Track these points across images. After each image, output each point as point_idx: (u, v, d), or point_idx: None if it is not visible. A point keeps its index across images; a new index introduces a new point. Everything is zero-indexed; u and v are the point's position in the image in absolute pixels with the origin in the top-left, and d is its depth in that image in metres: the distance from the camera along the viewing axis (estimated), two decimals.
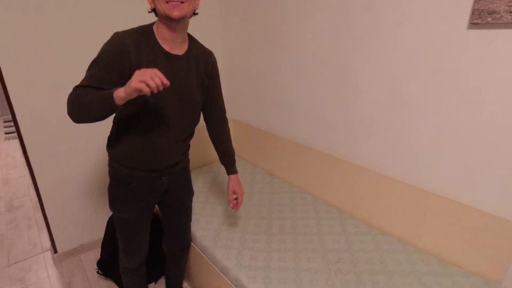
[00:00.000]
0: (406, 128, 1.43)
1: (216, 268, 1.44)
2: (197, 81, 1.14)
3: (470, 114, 1.21)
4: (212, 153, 2.45)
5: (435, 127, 1.33)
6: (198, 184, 2.08)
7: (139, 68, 0.97)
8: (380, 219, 1.60)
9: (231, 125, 2.49)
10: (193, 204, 1.83)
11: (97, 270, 1.84)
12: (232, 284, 1.34)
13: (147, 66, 1.01)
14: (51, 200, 1.88)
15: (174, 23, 0.99)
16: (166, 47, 1.05)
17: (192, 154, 2.30)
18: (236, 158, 2.44)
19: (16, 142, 4.12)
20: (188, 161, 1.39)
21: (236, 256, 1.41)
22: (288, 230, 1.59)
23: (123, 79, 0.98)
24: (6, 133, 4.39)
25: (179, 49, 1.08)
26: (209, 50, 1.20)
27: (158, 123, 1.10)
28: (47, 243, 2.20)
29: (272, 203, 1.83)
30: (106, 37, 1.03)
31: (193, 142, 2.29)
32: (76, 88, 0.98)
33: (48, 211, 1.89)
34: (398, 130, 1.46)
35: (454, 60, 1.21)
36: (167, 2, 0.94)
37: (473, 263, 1.30)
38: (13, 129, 4.53)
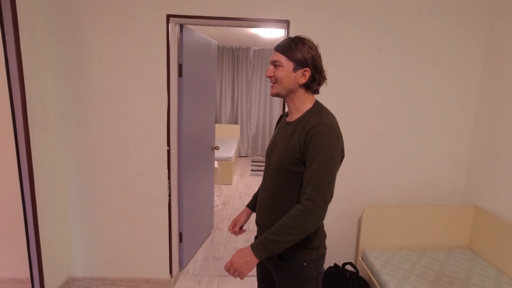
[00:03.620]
0: None
1: None
2: (294, 147, 1.11)
3: None
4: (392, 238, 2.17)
5: None
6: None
7: None
8: None
9: (469, 212, 2.14)
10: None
11: None
12: None
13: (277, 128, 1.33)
14: None
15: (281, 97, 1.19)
16: (289, 114, 1.23)
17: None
18: (470, 253, 2.04)
19: (259, 178, 5.31)
20: (291, 253, 1.16)
21: None
22: None
23: None
24: (252, 170, 5.76)
25: (292, 117, 1.20)
26: (316, 121, 1.08)
27: (264, 176, 1.27)
28: None
29: None
30: None
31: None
32: None
33: None
34: None
35: None
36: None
37: None
38: (258, 167, 5.89)
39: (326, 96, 2.09)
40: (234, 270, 1.06)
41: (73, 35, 1.98)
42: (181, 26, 2.20)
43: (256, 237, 1.35)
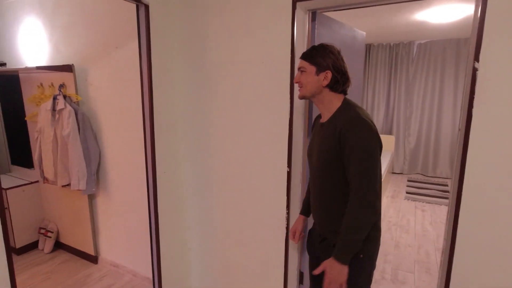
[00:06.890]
0: None
1: None
2: (328, 146, 1.19)
3: None
4: None
5: None
6: None
7: None
8: None
9: None
10: None
11: None
12: None
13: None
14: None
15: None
16: (322, 116, 1.32)
17: None
18: None
19: (416, 204, 4.17)
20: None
21: None
22: None
23: None
24: (407, 193, 4.61)
25: (325, 118, 1.28)
26: (344, 117, 1.17)
27: (310, 177, 1.37)
28: None
29: None
30: None
31: None
32: None
33: None
34: None
35: None
36: None
37: None
38: (416, 189, 4.68)
39: None
40: (338, 286, 1.14)
41: (197, 42, 1.85)
42: (313, 14, 1.72)
43: (308, 240, 1.48)
